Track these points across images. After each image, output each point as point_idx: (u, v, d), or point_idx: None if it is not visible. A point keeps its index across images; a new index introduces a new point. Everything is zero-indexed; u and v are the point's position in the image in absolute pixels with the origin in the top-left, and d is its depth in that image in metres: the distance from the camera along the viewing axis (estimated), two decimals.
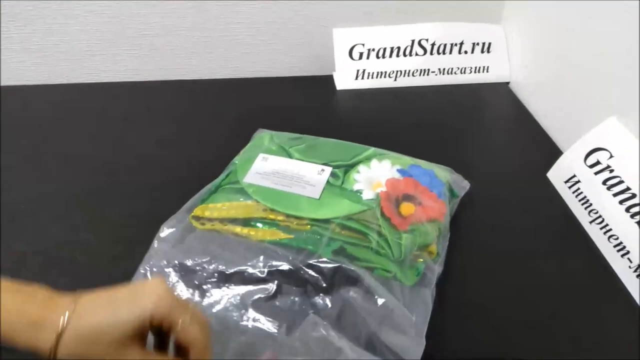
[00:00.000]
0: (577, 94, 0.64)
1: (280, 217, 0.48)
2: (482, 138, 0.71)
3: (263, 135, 0.60)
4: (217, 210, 0.49)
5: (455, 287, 0.48)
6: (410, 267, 0.45)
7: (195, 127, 0.70)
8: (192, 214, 0.49)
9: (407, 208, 0.51)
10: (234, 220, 0.48)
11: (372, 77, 0.79)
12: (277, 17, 0.77)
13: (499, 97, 0.80)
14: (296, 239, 0.46)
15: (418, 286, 0.44)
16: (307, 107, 0.75)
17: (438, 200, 0.53)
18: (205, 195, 0.51)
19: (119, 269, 0.44)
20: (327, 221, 0.48)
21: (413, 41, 0.79)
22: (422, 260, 0.46)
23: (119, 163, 0.62)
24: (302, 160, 0.55)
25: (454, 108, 0.76)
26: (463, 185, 0.57)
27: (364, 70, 0.79)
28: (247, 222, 0.48)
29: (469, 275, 0.50)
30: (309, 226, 0.47)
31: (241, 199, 0.50)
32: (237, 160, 0.56)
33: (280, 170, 0.54)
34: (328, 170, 0.53)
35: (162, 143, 0.66)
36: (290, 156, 0.56)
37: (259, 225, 0.47)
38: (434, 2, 0.79)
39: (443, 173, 0.56)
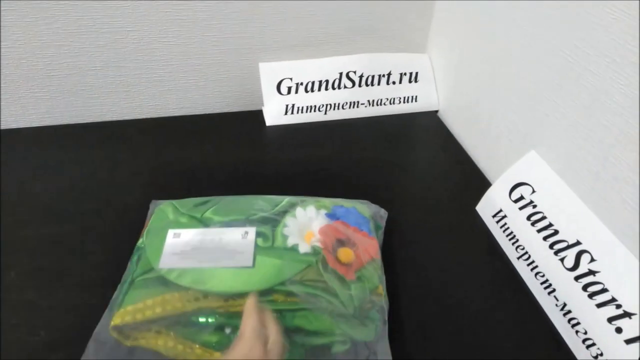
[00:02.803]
0: (500, 125, 0.65)
1: (217, 303, 0.42)
2: (411, 170, 0.71)
3: (163, 208, 0.53)
4: (139, 312, 0.41)
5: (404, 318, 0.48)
6: (366, 318, 0.44)
7: (101, 177, 0.65)
8: (112, 323, 0.41)
9: (345, 254, 0.49)
10: (163, 321, 0.41)
11: (302, 112, 0.77)
12: (198, 52, 0.74)
13: (428, 126, 0.80)
14: None
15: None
16: (235, 145, 0.72)
17: (370, 237, 0.52)
18: (120, 297, 0.43)
19: None
20: (268, 292, 0.44)
21: (341, 74, 0.78)
22: (372, 305, 0.45)
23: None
24: (222, 221, 0.50)
25: (383, 139, 0.76)
26: (381, 215, 0.57)
27: (293, 105, 0.77)
28: (180, 320, 0.41)
29: (409, 304, 0.50)
30: None
31: (164, 291, 0.43)
32: (142, 243, 0.49)
33: (198, 244, 0.47)
34: (252, 230, 0.49)
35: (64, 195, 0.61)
36: (204, 223, 0.50)
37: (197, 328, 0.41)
38: (359, 33, 0.79)
39: (363, 207, 0.55)
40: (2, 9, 0.63)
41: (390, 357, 0.42)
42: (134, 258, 0.47)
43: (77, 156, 0.68)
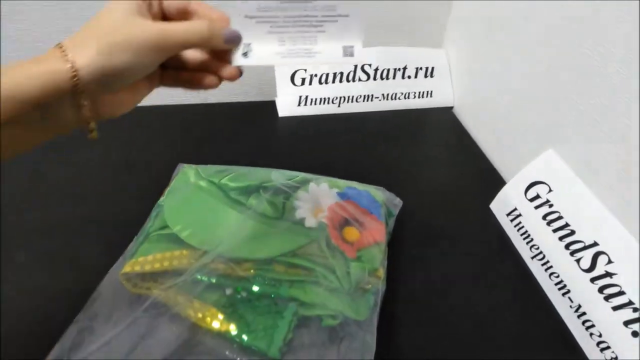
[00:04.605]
0: (516, 122, 0.64)
1: (221, 266, 0.44)
2: (424, 165, 0.70)
3: (186, 171, 0.55)
4: (149, 264, 0.44)
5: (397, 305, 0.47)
6: (360, 298, 0.44)
7: (123, 158, 0.65)
8: (122, 270, 0.44)
9: (351, 233, 0.49)
10: (168, 274, 0.43)
11: (315, 104, 0.77)
12: None
13: (443, 122, 0.79)
14: (246, 338, 0.40)
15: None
16: (246, 135, 0.71)
17: (378, 221, 0.52)
18: (134, 248, 0.46)
19: None
20: (270, 261, 0.45)
21: (356, 66, 0.77)
22: (370, 286, 0.45)
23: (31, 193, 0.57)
24: (238, 187, 0.52)
25: (397, 134, 0.75)
26: (395, 203, 0.56)
27: (306, 97, 0.76)
28: (184, 276, 0.43)
29: (407, 294, 0.49)
30: (252, 270, 0.44)
31: (174, 248, 0.45)
32: (162, 202, 0.51)
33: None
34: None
35: (81, 174, 0.61)
36: (221, 188, 0.52)
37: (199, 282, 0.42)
38: (376, 26, 0.78)
39: (377, 193, 0.55)
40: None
41: (375, 340, 0.41)
42: (153, 214, 0.50)
43: (92, 142, 0.68)
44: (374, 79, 0.78)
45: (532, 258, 0.53)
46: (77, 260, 0.50)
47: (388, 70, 0.78)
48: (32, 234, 0.52)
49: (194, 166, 0.56)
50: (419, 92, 0.80)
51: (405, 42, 0.80)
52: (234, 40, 0.36)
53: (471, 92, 0.77)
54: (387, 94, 0.79)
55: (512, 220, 0.56)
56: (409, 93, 0.80)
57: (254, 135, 0.72)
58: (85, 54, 0.29)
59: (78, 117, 0.31)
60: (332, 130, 0.74)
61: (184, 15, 0.36)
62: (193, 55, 0.37)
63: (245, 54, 0.36)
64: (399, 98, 0.80)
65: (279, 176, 0.54)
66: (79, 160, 0.63)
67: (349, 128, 0.75)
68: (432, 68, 0.80)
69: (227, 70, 0.37)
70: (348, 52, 0.38)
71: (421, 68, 0.80)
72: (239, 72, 0.37)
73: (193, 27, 0.33)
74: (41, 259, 0.50)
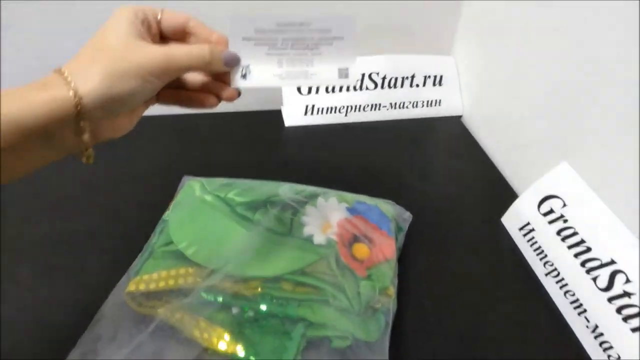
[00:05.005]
0: (529, 133, 0.62)
1: (227, 284, 0.43)
2: (432, 176, 0.68)
3: (192, 184, 0.54)
4: (154, 282, 0.43)
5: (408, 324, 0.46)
6: (371, 318, 0.43)
7: (126, 170, 0.64)
8: (126, 289, 0.43)
9: (361, 250, 0.48)
10: (173, 293, 0.42)
11: (322, 113, 0.76)
12: None
13: (452, 132, 0.78)
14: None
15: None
16: (252, 145, 0.70)
17: (388, 237, 0.51)
18: (139, 265, 0.45)
19: None
20: (277, 279, 0.44)
21: (363, 75, 0.76)
22: (380, 305, 0.44)
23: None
24: (244, 202, 0.51)
25: (405, 144, 0.74)
26: (405, 217, 0.55)
27: (313, 106, 0.75)
28: (190, 295, 0.42)
29: (418, 312, 0.48)
30: (259, 289, 0.43)
31: (180, 265, 0.45)
32: (167, 216, 0.50)
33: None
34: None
35: (84, 186, 0.60)
36: (227, 203, 0.51)
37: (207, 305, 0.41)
38: (383, 34, 0.77)
39: (387, 207, 0.54)
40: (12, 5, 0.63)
41: None
42: (158, 229, 0.49)
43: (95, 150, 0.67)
44: (382, 87, 0.77)
45: (546, 275, 0.51)
46: (80, 276, 0.49)
47: (396, 78, 0.77)
48: (33, 248, 0.51)
49: (199, 179, 0.55)
50: (427, 101, 0.79)
51: (413, 50, 0.79)
52: (233, 62, 0.36)
53: (481, 101, 0.76)
54: (395, 103, 0.78)
55: (524, 235, 0.55)
56: (417, 102, 0.79)
57: (260, 145, 0.71)
58: (88, 81, 0.28)
59: (78, 142, 0.30)
60: (339, 140, 0.73)
61: (181, 35, 0.36)
62: (192, 75, 0.37)
63: (244, 76, 0.37)
64: (406, 107, 0.78)
65: (286, 190, 0.53)
66: (81, 172, 0.62)
67: (356, 138, 0.74)
68: (441, 76, 0.79)
69: (226, 92, 0.37)
70: (343, 74, 0.38)
71: (429, 76, 0.79)
72: (238, 93, 0.37)
73: (195, 51, 0.33)
74: (43, 274, 0.49)
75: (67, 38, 0.67)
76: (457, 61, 0.80)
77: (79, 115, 0.28)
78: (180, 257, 0.45)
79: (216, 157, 0.67)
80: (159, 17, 0.35)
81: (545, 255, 0.52)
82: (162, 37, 0.36)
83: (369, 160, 0.69)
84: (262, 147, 0.71)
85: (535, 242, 0.53)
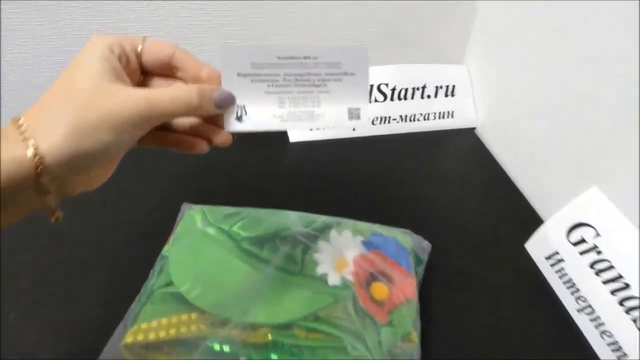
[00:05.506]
0: (549, 150, 0.58)
1: (234, 332, 0.39)
2: (447, 195, 0.64)
3: (192, 213, 0.50)
4: (153, 332, 0.39)
5: None
6: None
7: (122, 196, 0.59)
8: (123, 342, 0.39)
9: (379, 290, 0.44)
10: (176, 343, 0.39)
11: (329, 127, 0.71)
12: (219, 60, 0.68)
13: (466, 145, 0.74)
14: None
15: None
16: (256, 162, 0.66)
17: (408, 274, 0.47)
18: (136, 310, 0.41)
19: None
20: (289, 326, 0.40)
21: (372, 86, 0.72)
22: (401, 352, 0.40)
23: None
24: (250, 237, 0.46)
25: (416, 159, 0.70)
26: (424, 247, 0.51)
27: None
28: (194, 345, 0.38)
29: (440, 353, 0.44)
30: (269, 336, 0.39)
31: (181, 310, 0.41)
32: (167, 251, 0.46)
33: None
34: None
35: (76, 214, 0.55)
36: (232, 237, 0.47)
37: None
38: (392, 42, 0.73)
39: (404, 238, 0.50)
40: (7, 11, 0.58)
41: None
42: (157, 267, 0.45)
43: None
44: (391, 99, 0.73)
45: (579, 311, 0.47)
46: (73, 320, 0.44)
47: (406, 89, 0.73)
48: (23, 283, 0.47)
49: (199, 207, 0.51)
50: (439, 113, 0.75)
51: (424, 59, 0.75)
52: (227, 104, 0.31)
53: (496, 112, 0.72)
54: (405, 116, 0.74)
55: (552, 265, 0.51)
56: (428, 114, 0.74)
57: (263, 163, 0.67)
58: (50, 136, 0.23)
59: (42, 202, 0.25)
60: (346, 156, 0.69)
61: (166, 69, 0.31)
62: (181, 118, 0.32)
63: (239, 118, 0.32)
64: (417, 119, 0.74)
65: (295, 222, 0.48)
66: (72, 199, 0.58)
67: (364, 153, 0.70)
68: (453, 86, 0.75)
69: (219, 137, 0.32)
70: (354, 114, 0.34)
71: (441, 87, 0.75)
72: (232, 137, 0.33)
73: (180, 95, 0.28)
74: (31, 317, 0.45)
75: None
76: (470, 70, 0.76)
77: (39, 177, 0.23)
78: (181, 301, 0.41)
79: (218, 177, 0.63)
80: (139, 49, 0.30)
81: (577, 290, 0.48)
82: (144, 71, 0.31)
83: (378, 177, 0.65)
84: (266, 164, 0.66)
85: (565, 274, 0.49)
